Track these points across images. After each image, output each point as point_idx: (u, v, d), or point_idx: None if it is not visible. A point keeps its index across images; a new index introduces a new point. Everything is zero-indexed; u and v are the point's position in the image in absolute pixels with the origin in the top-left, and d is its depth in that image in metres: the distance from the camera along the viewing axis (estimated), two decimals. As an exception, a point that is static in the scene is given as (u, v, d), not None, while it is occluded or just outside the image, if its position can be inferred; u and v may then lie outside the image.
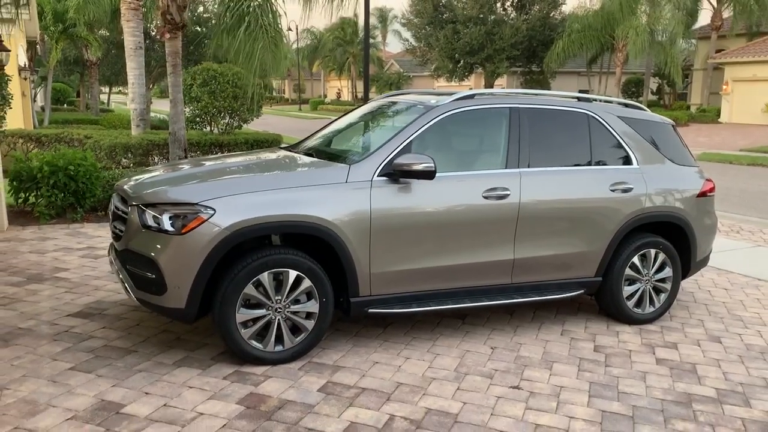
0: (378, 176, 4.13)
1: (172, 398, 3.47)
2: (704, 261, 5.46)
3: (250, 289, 3.82)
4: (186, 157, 10.07)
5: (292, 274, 3.90)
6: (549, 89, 34.84)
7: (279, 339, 3.96)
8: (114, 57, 28.72)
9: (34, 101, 24.31)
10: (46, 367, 3.79)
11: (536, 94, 5.22)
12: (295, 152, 5.00)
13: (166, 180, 4.30)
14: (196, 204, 3.76)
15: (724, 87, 32.81)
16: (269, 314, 3.90)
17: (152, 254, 3.77)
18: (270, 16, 9.75)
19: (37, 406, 3.33)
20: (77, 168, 7.87)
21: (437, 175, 4.13)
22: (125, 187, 4.25)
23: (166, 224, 3.76)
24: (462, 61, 35.99)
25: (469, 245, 4.38)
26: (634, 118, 5.14)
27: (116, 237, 4.20)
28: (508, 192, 4.44)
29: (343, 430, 3.24)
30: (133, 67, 12.08)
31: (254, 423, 3.25)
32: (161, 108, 28.03)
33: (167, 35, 9.54)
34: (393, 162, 4.12)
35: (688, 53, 35.62)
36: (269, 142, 12.77)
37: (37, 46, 24.11)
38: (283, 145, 8.07)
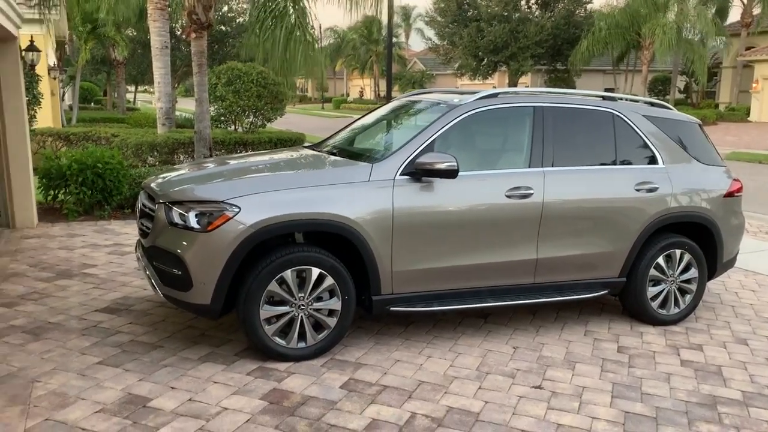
0: (400, 175, 4.14)
1: (197, 393, 3.53)
2: (731, 262, 5.38)
3: (273, 286, 3.86)
4: (211, 156, 10.19)
5: (315, 271, 3.94)
6: (574, 87, 34.55)
7: (302, 336, 4.00)
8: (140, 56, 29.17)
9: (63, 100, 24.74)
10: (75, 361, 3.88)
11: (560, 93, 5.19)
12: (318, 151, 5.04)
13: (192, 178, 4.36)
14: (222, 202, 3.82)
15: (754, 85, 32.20)
16: (292, 311, 3.94)
17: (178, 251, 3.83)
18: (304, 17, 9.79)
19: (66, 398, 3.41)
20: (105, 166, 8.01)
21: (460, 173, 4.13)
22: (152, 185, 4.33)
23: (192, 222, 3.82)
24: (486, 60, 35.82)
25: (492, 244, 4.38)
26: (660, 117, 5.09)
27: (143, 234, 4.28)
28: (531, 191, 4.42)
29: (365, 426, 3.26)
30: (159, 66, 12.25)
31: (277, 418, 3.30)
32: (186, 107, 28.33)
33: (193, 35, 9.66)
34: (415, 161, 4.13)
35: (717, 50, 35.03)
36: (292, 140, 12.86)
37: (66, 46, 24.53)
38: (306, 144, 8.13)
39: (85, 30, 23.07)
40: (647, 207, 4.76)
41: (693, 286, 5.02)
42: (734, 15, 35.85)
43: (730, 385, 3.97)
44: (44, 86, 12.71)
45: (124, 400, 3.41)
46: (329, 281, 3.99)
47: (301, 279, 3.94)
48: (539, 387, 3.83)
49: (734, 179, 5.27)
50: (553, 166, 4.56)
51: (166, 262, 3.92)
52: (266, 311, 3.88)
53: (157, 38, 12.14)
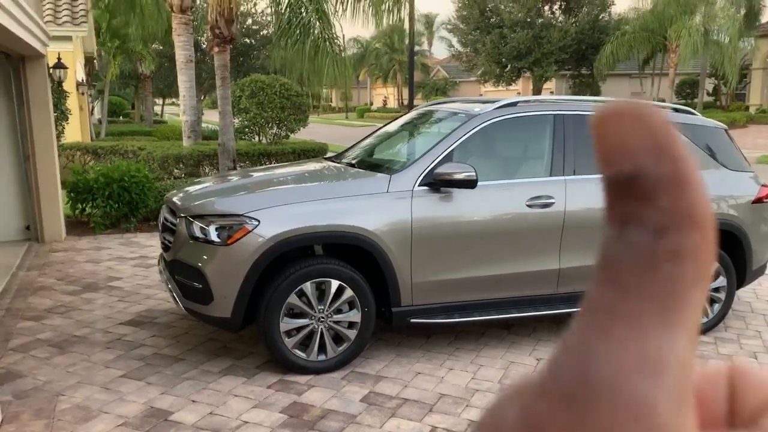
0: (419, 186, 4.13)
1: (217, 406, 3.54)
2: (761, 270, 5.25)
3: (293, 299, 3.87)
4: (235, 168, 10.29)
5: (335, 283, 3.94)
6: (599, 92, 34.24)
7: (322, 348, 3.99)
8: (167, 70, 29.64)
9: (92, 114, 25.24)
10: (100, 374, 3.92)
11: (581, 101, 5.13)
12: (338, 163, 5.05)
13: (213, 192, 4.41)
14: (242, 215, 3.84)
15: (785, 86, 31.53)
16: (312, 323, 3.94)
17: (199, 264, 3.86)
18: (329, 28, 9.86)
19: (90, 412, 3.45)
20: (130, 179, 8.13)
21: (479, 183, 4.10)
22: (174, 199, 4.38)
23: (213, 235, 3.85)
24: (509, 66, 35.67)
25: (513, 255, 4.33)
26: (684, 123, 4.99)
27: (165, 248, 4.32)
28: (552, 200, 4.37)
29: (384, 440, 3.24)
30: (184, 80, 12.41)
31: (297, 432, 3.29)
32: (212, 119, 28.72)
33: (216, 49, 9.78)
34: (434, 171, 4.12)
35: (747, 52, 34.44)
36: (315, 151, 12.92)
37: (95, 62, 25.07)
38: (327, 155, 8.15)
39: (113, 45, 23.57)
40: (672, 215, 4.66)
41: (721, 295, 4.90)
42: (763, 16, 35.19)
43: (761, 397, 3.86)
44: (73, 102, 12.97)
45: (147, 413, 3.44)
46: (349, 293, 3.98)
47: (321, 291, 3.95)
48: (562, 400, 3.76)
49: (763, 185, 5.15)
50: (574, 174, 4.51)
51: (187, 275, 3.95)
52: (286, 324, 3.88)
53: (181, 52, 12.32)
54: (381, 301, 4.16)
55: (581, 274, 4.52)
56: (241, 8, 23.39)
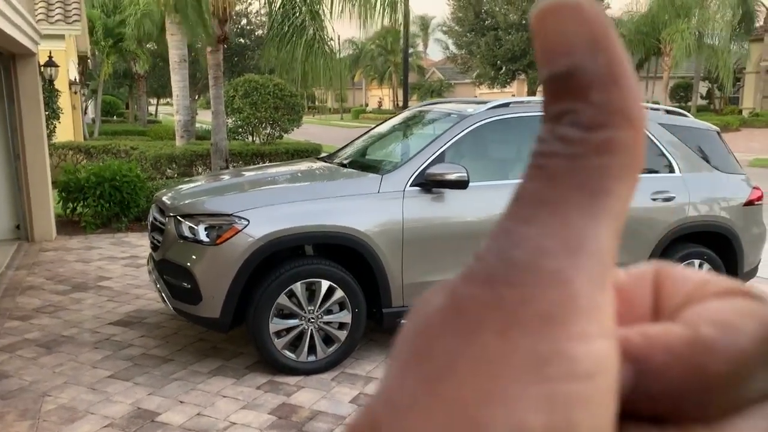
0: (410, 186, 4.11)
1: (205, 407, 3.51)
2: (752, 272, 5.25)
3: (283, 299, 3.84)
4: (227, 167, 10.25)
5: (325, 284, 3.91)
6: (593, 95, 34.28)
7: (312, 349, 3.97)
8: (161, 69, 29.55)
9: (85, 114, 25.15)
10: (87, 375, 3.89)
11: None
12: (329, 163, 5.03)
13: (203, 191, 4.37)
14: (231, 215, 3.81)
15: (778, 90, 31.71)
16: (302, 324, 3.92)
17: (188, 264, 3.83)
18: (322, 29, 9.82)
19: (76, 413, 3.41)
20: (122, 179, 8.09)
21: (471, 184, 4.09)
22: (163, 198, 4.34)
23: (202, 235, 3.82)
24: (504, 68, 35.75)
25: (504, 256, 4.31)
26: (677, 125, 5.00)
27: (154, 247, 4.29)
28: (543, 201, 4.35)
29: (373, 442, 3.21)
30: (178, 79, 12.40)
31: (285, 433, 3.27)
32: (206, 119, 28.67)
33: (209, 48, 9.74)
34: (425, 172, 4.10)
35: (740, 56, 34.62)
36: (309, 151, 12.90)
37: (89, 61, 24.99)
38: (321, 155, 8.13)
39: (107, 44, 23.49)
40: (664, 216, 4.67)
41: (713, 297, 4.90)
42: (758, 20, 35.36)
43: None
44: (65, 101, 12.90)
45: (133, 414, 3.41)
46: (339, 294, 3.96)
47: (311, 292, 3.92)
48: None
49: (754, 187, 5.15)
50: (566, 175, 4.49)
51: (176, 275, 3.92)
52: (276, 324, 3.86)
53: (175, 52, 12.30)
54: (372, 301, 4.14)
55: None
56: (237, 8, 23.38)
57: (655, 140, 4.83)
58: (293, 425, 3.35)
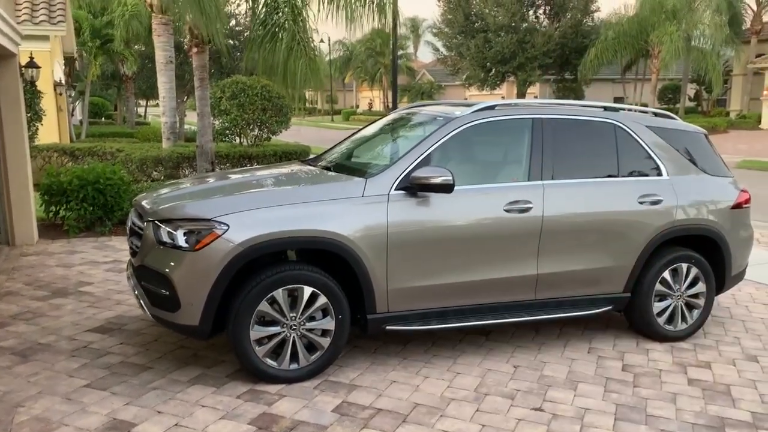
0: (395, 190, 4.04)
1: (183, 417, 3.42)
2: (740, 275, 5.22)
3: (264, 306, 3.76)
4: (213, 170, 10.15)
5: (308, 290, 3.83)
6: (583, 97, 34.38)
7: (294, 357, 3.88)
8: (149, 71, 29.29)
9: (72, 115, 24.91)
10: (62, 384, 3.78)
11: (560, 104, 5.07)
12: (314, 166, 4.95)
13: (182, 195, 4.28)
14: (210, 220, 3.72)
15: (765, 92, 31.91)
16: (284, 332, 3.83)
17: (166, 270, 3.74)
18: (304, 31, 9.72)
19: (49, 424, 3.31)
20: (105, 182, 7.98)
21: (457, 188, 4.02)
22: (142, 202, 4.25)
23: (181, 240, 3.73)
24: (493, 70, 35.75)
25: (490, 260, 4.25)
26: (664, 128, 4.95)
27: (133, 253, 4.19)
28: (530, 205, 4.30)
29: (355, 453, 3.14)
30: (164, 81, 12.24)
31: (265, 445, 3.18)
32: (196, 120, 28.55)
33: (194, 50, 9.63)
34: (410, 175, 4.03)
35: (728, 59, 34.79)
36: (297, 153, 12.79)
37: (76, 62, 24.74)
38: (311, 157, 8.04)
39: (95, 45, 23.26)
40: (651, 220, 4.62)
41: (701, 301, 4.86)
42: (745, 23, 35.57)
43: (740, 405, 3.81)
44: (49, 102, 12.75)
45: (108, 425, 3.31)
46: (322, 300, 3.87)
47: (293, 298, 3.83)
48: (539, 409, 3.69)
49: (742, 190, 5.12)
50: (553, 179, 4.44)
51: (154, 282, 3.83)
52: (257, 332, 3.77)
53: (161, 53, 12.14)
54: (356, 308, 4.06)
55: (560, 279, 4.45)
56: (225, 9, 23.24)
57: (642, 143, 4.79)
58: (273, 436, 3.26)
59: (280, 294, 3.77)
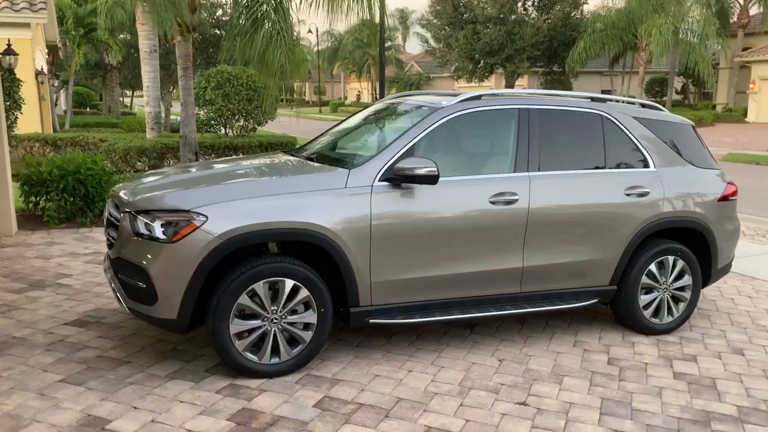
0: (379, 181, 3.96)
1: (160, 413, 3.33)
2: (726, 268, 5.20)
3: (244, 299, 3.67)
4: (197, 160, 10.01)
5: (289, 283, 3.74)
6: (570, 89, 34.39)
7: (275, 351, 3.80)
8: (135, 60, 28.93)
9: (56, 105, 24.57)
10: (36, 379, 3.68)
11: (547, 95, 5.01)
12: (297, 156, 4.85)
13: (160, 185, 4.17)
14: (189, 211, 3.63)
15: (751, 86, 32.09)
16: (265, 325, 3.75)
17: (143, 263, 3.64)
18: (285, 21, 9.58)
19: (21, 421, 3.21)
20: (86, 172, 7.83)
21: (441, 179, 3.95)
22: (120, 193, 4.14)
23: (158, 232, 3.63)
24: (482, 62, 35.69)
25: (475, 253, 4.19)
26: (651, 119, 4.90)
27: (110, 245, 4.09)
28: (516, 197, 4.24)
29: (336, 449, 3.07)
30: (148, 70, 12.08)
31: (243, 441, 3.11)
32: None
33: (178, 38, 9.47)
34: (394, 166, 3.95)
35: (715, 52, 34.94)
36: (283, 144, 12.68)
37: (60, 51, 24.39)
38: (289, 149, 7.94)
39: (78, 34, 22.93)
40: (638, 212, 4.57)
41: (687, 294, 4.83)
42: (733, 16, 35.71)
43: (725, 399, 3.78)
44: (30, 91, 12.52)
45: (82, 422, 3.22)
46: (304, 293, 3.79)
47: (274, 291, 3.75)
48: (524, 403, 3.64)
49: (729, 182, 5.09)
50: (539, 170, 4.38)
51: (131, 274, 3.73)
52: (237, 326, 3.68)
53: (145, 41, 11.98)
54: (339, 301, 3.98)
55: (545, 272, 4.40)
56: (211, -2, 22.97)
57: (629, 134, 4.74)
58: (252, 432, 3.19)
59: (260, 287, 3.69)
